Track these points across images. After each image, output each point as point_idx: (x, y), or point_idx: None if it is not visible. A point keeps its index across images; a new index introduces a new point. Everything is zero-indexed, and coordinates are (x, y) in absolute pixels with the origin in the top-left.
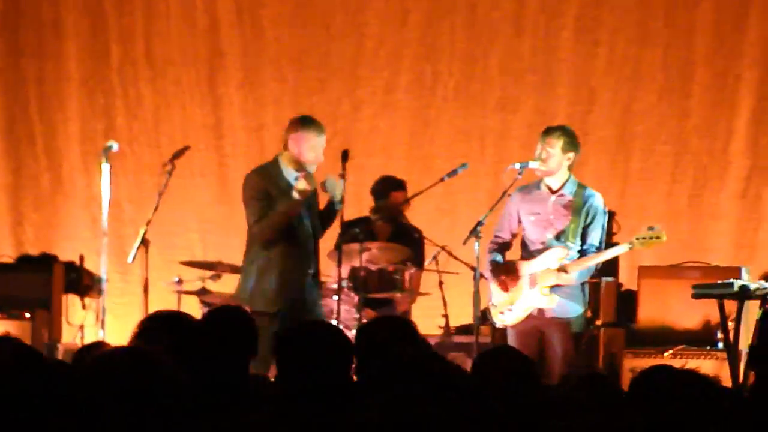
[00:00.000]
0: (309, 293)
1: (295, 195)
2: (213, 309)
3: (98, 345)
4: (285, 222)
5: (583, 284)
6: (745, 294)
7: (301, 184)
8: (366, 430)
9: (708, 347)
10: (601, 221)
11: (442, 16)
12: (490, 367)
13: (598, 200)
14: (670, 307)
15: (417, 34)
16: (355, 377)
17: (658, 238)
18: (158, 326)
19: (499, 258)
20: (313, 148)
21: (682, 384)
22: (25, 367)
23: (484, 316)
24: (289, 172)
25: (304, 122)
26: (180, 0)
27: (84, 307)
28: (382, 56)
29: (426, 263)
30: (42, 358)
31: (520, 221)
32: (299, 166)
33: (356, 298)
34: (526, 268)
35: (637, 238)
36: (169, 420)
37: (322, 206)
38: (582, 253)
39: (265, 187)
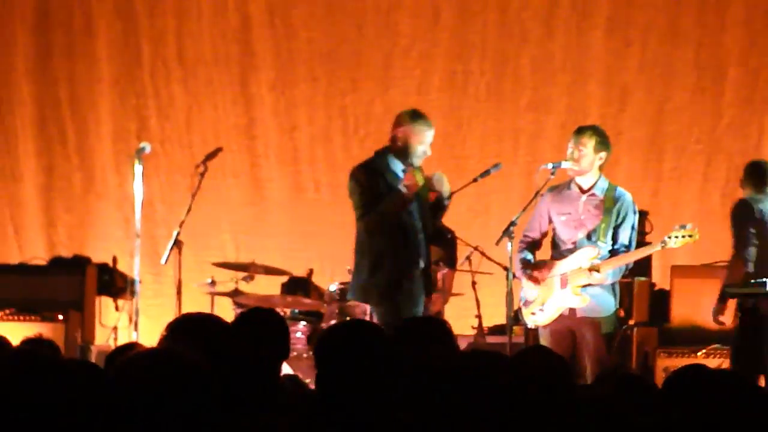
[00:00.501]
0: (417, 286)
1: (403, 189)
2: (245, 311)
3: (132, 346)
4: (393, 216)
5: (614, 284)
6: None
7: (411, 178)
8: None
9: None
10: (631, 220)
11: (473, 16)
12: (525, 367)
13: (628, 200)
14: (704, 306)
15: (448, 33)
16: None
17: (690, 236)
18: (188, 328)
19: (529, 256)
20: (422, 141)
21: (716, 384)
22: (49, 371)
23: (517, 317)
24: (397, 166)
25: (414, 116)
26: (211, 0)
27: (117, 308)
28: (414, 56)
29: (459, 263)
30: (64, 362)
31: (550, 221)
32: (407, 159)
33: None
34: (557, 267)
35: (670, 237)
36: (200, 422)
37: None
38: (613, 252)
39: (371, 180)
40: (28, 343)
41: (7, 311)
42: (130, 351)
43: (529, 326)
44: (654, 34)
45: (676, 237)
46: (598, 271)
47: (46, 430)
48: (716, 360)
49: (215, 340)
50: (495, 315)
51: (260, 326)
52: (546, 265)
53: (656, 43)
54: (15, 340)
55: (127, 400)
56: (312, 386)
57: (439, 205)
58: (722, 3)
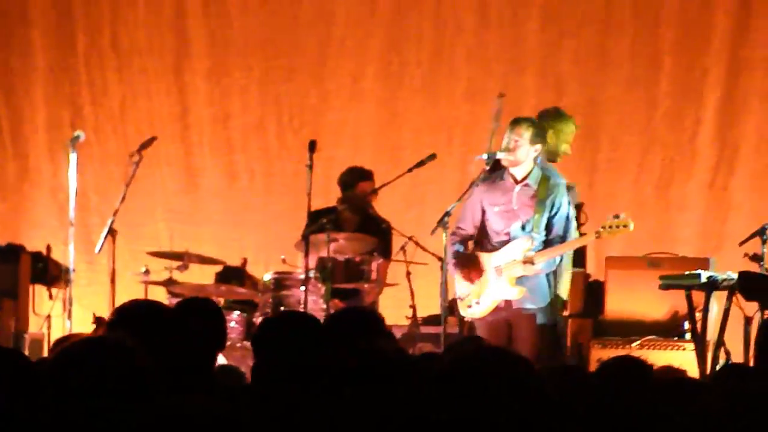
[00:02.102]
0: None
1: None
2: (182, 300)
3: (66, 339)
4: None
5: (549, 275)
6: (712, 285)
7: None
8: (333, 417)
9: (676, 338)
10: (566, 211)
11: (409, 6)
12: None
13: (562, 190)
14: (638, 297)
15: (385, 23)
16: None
17: (625, 226)
18: (131, 316)
19: (462, 249)
20: (567, 140)
21: (643, 374)
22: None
23: (451, 307)
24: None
25: (561, 114)
26: None
27: (51, 297)
28: (350, 46)
29: (394, 254)
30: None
31: (484, 212)
32: (553, 157)
33: (323, 289)
34: (491, 259)
35: (603, 227)
36: (137, 408)
37: None
38: (547, 243)
39: None
40: None
41: None
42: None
43: (465, 319)
44: (589, 25)
45: (611, 227)
46: (532, 262)
47: None
48: (650, 351)
49: (155, 328)
50: (430, 305)
51: (197, 315)
52: (478, 264)
53: (591, 34)
54: None
55: (63, 388)
56: (247, 376)
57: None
58: None
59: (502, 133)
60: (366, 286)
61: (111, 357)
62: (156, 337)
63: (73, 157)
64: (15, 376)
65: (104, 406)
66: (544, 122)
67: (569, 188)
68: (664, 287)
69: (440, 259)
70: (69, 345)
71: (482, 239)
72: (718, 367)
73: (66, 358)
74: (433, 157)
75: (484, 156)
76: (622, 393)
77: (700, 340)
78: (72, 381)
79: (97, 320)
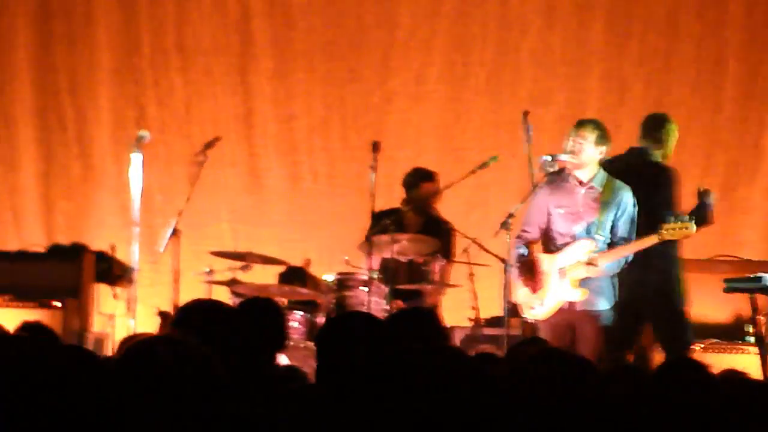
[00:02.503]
0: None
1: None
2: (244, 300)
3: (132, 339)
4: None
5: (612, 277)
6: None
7: None
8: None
9: (739, 341)
10: (631, 213)
11: (474, 7)
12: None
13: (627, 193)
14: (701, 300)
15: (448, 24)
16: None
17: (686, 228)
18: (195, 315)
19: (525, 252)
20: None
21: (703, 377)
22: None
23: (514, 309)
24: None
25: (670, 119)
26: None
27: (115, 296)
28: (414, 47)
29: (456, 255)
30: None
31: (549, 213)
32: (666, 159)
33: (386, 290)
34: (555, 261)
35: (666, 229)
36: (204, 406)
37: None
38: (611, 245)
39: None
40: (26, 328)
41: (5, 297)
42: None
43: (528, 320)
44: (654, 28)
45: (673, 229)
46: (595, 264)
47: (44, 415)
48: (712, 354)
49: (217, 327)
50: (492, 307)
51: (258, 315)
52: (539, 271)
53: (656, 37)
54: (12, 327)
55: (130, 385)
56: (310, 377)
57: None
58: None
59: (537, 152)
60: (428, 287)
61: (189, 359)
62: (217, 336)
63: (137, 157)
64: (82, 372)
65: (173, 407)
66: (665, 124)
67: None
68: (729, 290)
69: (503, 260)
70: (139, 343)
71: (546, 241)
72: None
73: (139, 355)
74: (495, 158)
75: (548, 158)
76: (681, 395)
77: (763, 344)
78: (144, 379)
79: (162, 314)
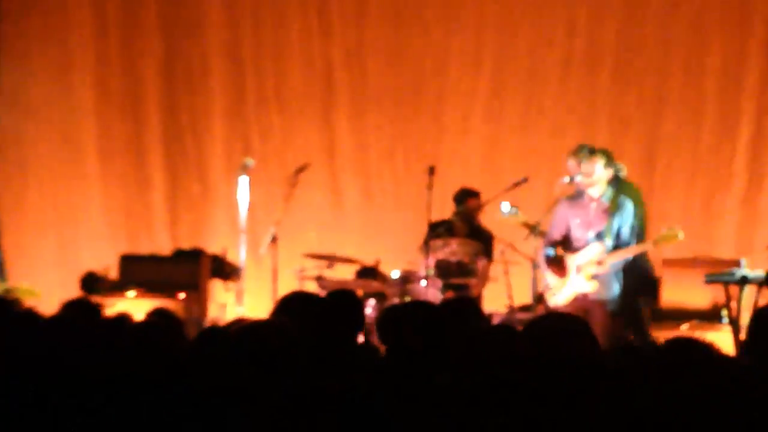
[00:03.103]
0: None
1: None
2: (331, 292)
3: (239, 321)
4: None
5: (617, 273)
6: (744, 280)
7: None
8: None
9: (717, 322)
10: (630, 222)
11: (508, 61)
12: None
13: (629, 205)
14: (686, 290)
15: (488, 74)
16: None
17: (675, 236)
18: (292, 303)
19: (551, 253)
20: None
21: (696, 351)
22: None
23: (540, 297)
24: None
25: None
26: (301, 48)
27: (226, 289)
28: (461, 92)
29: (495, 256)
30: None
31: (567, 222)
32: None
33: (440, 284)
34: (573, 260)
35: (660, 236)
36: (292, 378)
37: None
38: (616, 248)
39: None
40: (156, 313)
41: (141, 291)
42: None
43: (550, 306)
44: (649, 77)
45: (665, 236)
46: (603, 263)
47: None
48: (695, 333)
49: (310, 313)
50: (523, 297)
51: (342, 304)
52: (564, 263)
53: (651, 84)
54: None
55: (241, 357)
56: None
57: None
58: (700, 53)
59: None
60: (473, 281)
61: (274, 336)
62: (310, 319)
63: (244, 179)
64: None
65: (268, 374)
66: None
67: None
68: (708, 282)
69: (531, 260)
70: (247, 325)
71: (566, 244)
72: None
73: (248, 334)
74: (526, 180)
75: (566, 179)
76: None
77: (734, 324)
78: (251, 354)
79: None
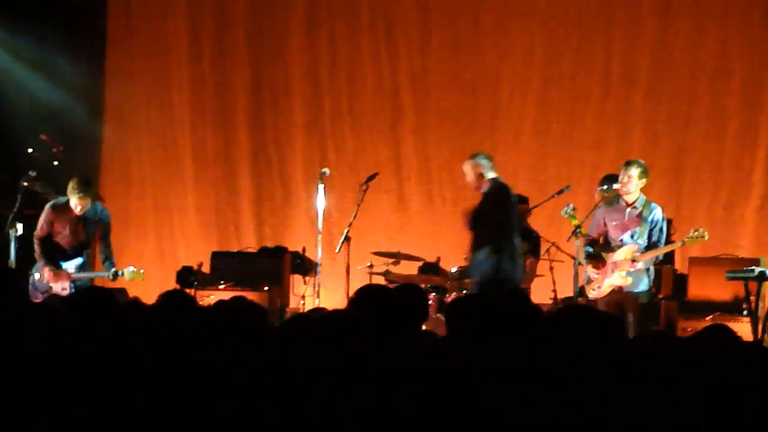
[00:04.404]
0: None
1: None
2: (398, 285)
3: (318, 310)
4: None
5: (648, 269)
6: (762, 277)
7: None
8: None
9: (737, 314)
10: (659, 225)
11: (553, 83)
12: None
13: (659, 211)
14: (711, 286)
15: (536, 94)
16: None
17: (702, 237)
18: (366, 295)
19: (591, 250)
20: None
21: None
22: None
23: (581, 291)
24: None
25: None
26: (372, 72)
27: (305, 283)
28: (512, 109)
29: (541, 254)
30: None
31: (605, 225)
32: None
33: None
34: (610, 257)
35: (687, 237)
36: (368, 358)
37: None
38: (648, 247)
39: None
40: (235, 300)
41: (230, 284)
42: (316, 313)
43: (590, 298)
44: (677, 97)
45: (691, 237)
46: (636, 261)
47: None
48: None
49: (380, 303)
50: (566, 290)
51: (407, 296)
52: (603, 260)
53: (678, 103)
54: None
55: (314, 348)
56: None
57: None
58: (724, 79)
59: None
60: (523, 276)
61: (345, 323)
62: (381, 309)
63: (321, 186)
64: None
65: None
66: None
67: None
68: (730, 279)
69: (573, 258)
70: (327, 313)
71: (604, 244)
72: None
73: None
74: (568, 188)
75: (605, 187)
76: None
77: (753, 316)
78: (321, 341)
79: None
